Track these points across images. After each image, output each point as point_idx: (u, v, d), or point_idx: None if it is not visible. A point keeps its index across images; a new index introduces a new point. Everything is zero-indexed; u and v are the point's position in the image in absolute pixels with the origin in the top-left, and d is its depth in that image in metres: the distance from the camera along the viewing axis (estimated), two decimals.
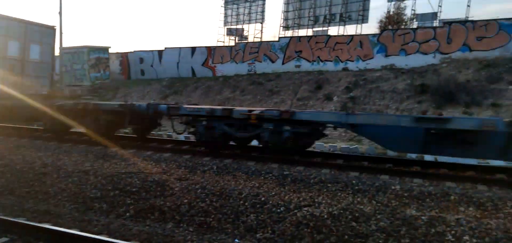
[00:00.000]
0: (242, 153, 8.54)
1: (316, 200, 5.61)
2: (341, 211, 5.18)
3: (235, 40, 27.34)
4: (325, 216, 5.13)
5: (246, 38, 28.20)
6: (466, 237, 4.42)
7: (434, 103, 14.54)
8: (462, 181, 6.29)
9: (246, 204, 5.55)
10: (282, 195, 5.80)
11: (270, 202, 5.56)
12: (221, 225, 5.11)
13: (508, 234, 4.34)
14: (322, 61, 19.65)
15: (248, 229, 5.05)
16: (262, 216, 5.30)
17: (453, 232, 4.52)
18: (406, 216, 4.92)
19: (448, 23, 17.21)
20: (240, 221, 5.20)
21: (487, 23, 15.99)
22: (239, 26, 28.19)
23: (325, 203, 5.47)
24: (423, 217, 4.83)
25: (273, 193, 5.89)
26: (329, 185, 6.23)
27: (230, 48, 23.21)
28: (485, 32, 15.97)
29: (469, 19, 17.65)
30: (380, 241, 4.68)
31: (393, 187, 5.87)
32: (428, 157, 9.24)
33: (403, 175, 6.71)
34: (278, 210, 5.37)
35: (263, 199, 5.65)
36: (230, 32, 28.67)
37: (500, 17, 16.01)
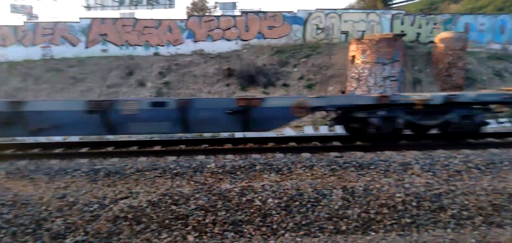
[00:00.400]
0: (41, 152, 7.33)
1: (133, 190, 5.38)
2: (161, 197, 5.14)
3: (23, 19, 22.92)
4: (144, 205, 4.99)
5: (36, 17, 24.08)
6: (270, 199, 5.12)
7: (240, 85, 16.11)
8: (264, 152, 7.22)
9: (50, 208, 4.82)
10: (95, 191, 5.31)
11: (81, 201, 5.00)
12: (16, 239, 4.27)
13: (299, 191, 5.26)
14: (131, 45, 18.75)
15: (55, 236, 4.42)
16: (71, 218, 4.72)
17: (260, 197, 5.15)
18: (222, 190, 5.30)
19: (245, 12, 19.20)
20: (43, 230, 4.49)
21: (274, 14, 18.64)
22: (27, 3, 23.80)
23: (144, 192, 5.31)
24: (235, 189, 5.31)
25: (84, 191, 5.31)
26: (147, 173, 6.07)
27: (14, 28, 19.28)
28: (273, 22, 18.60)
29: (262, 10, 20.16)
30: (200, 218, 4.90)
31: (208, 166, 6.20)
32: (238, 134, 10.19)
33: (217, 153, 7.18)
34: (91, 209, 4.89)
35: (71, 199, 5.03)
36: (14, 9, 23.87)
37: (286, 9, 18.95)
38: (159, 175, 6.02)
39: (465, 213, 5.01)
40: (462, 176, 5.84)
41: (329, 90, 15.46)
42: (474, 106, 7.52)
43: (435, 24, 18.50)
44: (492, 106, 7.80)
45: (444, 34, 15.39)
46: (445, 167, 6.12)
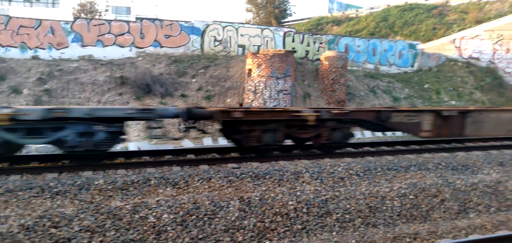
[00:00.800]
0: None
1: (1, 214, 4.61)
2: (37, 220, 4.51)
3: None
4: (16, 231, 4.31)
5: None
6: (165, 215, 4.91)
7: (134, 95, 15.27)
8: (160, 165, 6.92)
9: None
10: None
11: None
12: None
13: (196, 204, 5.16)
14: (3, 46, 16.29)
15: None
16: None
17: (154, 213, 4.90)
18: (111, 208, 4.89)
19: (140, 19, 18.39)
20: None
21: (171, 23, 18.26)
22: None
23: (15, 215, 4.59)
24: (127, 206, 4.95)
25: None
26: (20, 193, 5.27)
27: None
28: (171, 31, 18.20)
29: (158, 18, 19.59)
30: (85, 241, 4.44)
31: (96, 182, 5.67)
32: (132, 146, 9.60)
33: (107, 168, 6.63)
34: None
35: None
36: None
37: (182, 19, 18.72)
38: (35, 194, 5.29)
39: (347, 216, 5.54)
40: (345, 183, 6.47)
41: (227, 101, 15.70)
42: (103, 123, 6.68)
43: (321, 43, 20.35)
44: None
45: (328, 53, 17.00)
46: (331, 174, 6.69)
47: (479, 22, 24.46)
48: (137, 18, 18.64)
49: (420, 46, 22.35)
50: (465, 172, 7.37)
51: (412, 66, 21.86)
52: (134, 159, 7.57)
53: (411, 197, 6.09)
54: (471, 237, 5.00)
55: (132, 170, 6.50)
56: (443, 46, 23.11)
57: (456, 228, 5.48)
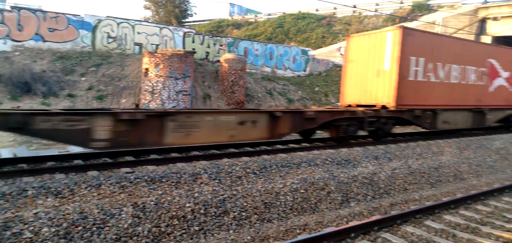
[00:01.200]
0: None
1: None
2: None
3: None
4: None
5: None
6: (45, 229, 4.39)
7: (9, 94, 13.38)
8: (40, 173, 6.16)
9: None
10: None
11: None
12: None
13: (83, 214, 4.73)
14: None
15: None
16: None
17: (31, 228, 4.34)
18: None
19: (18, 8, 16.21)
20: None
21: (57, 15, 16.51)
22: None
23: None
24: None
25: None
26: None
27: None
28: (56, 25, 16.44)
29: (41, 9, 17.51)
30: None
31: None
32: (5, 153, 8.37)
33: None
34: None
35: None
36: None
37: (68, 12, 17.05)
38: None
39: (244, 213, 5.69)
40: (242, 181, 6.63)
41: (122, 102, 14.79)
42: None
43: (221, 45, 20.60)
44: None
45: (228, 55, 17.30)
46: (229, 174, 6.79)
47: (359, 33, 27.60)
48: (13, 7, 16.36)
49: (311, 52, 24.25)
50: (347, 166, 8.20)
51: (305, 70, 23.57)
52: (7, 167, 6.61)
53: (302, 191, 6.54)
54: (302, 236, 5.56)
55: (4, 180, 5.67)
56: (330, 53, 25.47)
57: (339, 216, 6.05)
